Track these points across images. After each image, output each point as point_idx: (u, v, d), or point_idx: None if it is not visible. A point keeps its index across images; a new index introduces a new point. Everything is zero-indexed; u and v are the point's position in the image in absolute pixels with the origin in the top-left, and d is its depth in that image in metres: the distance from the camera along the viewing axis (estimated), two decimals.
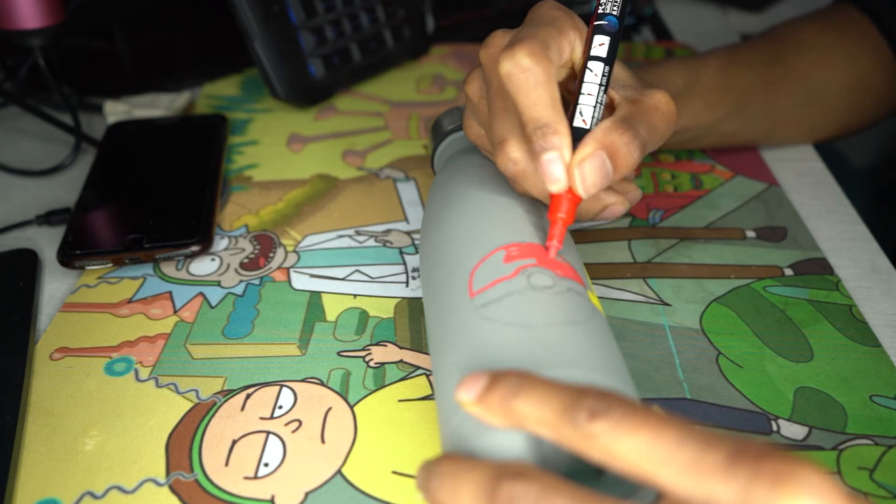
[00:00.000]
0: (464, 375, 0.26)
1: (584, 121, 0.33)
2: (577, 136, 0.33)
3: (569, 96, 0.35)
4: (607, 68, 0.33)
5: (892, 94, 0.52)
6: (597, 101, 0.33)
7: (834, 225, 0.47)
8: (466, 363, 0.28)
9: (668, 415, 0.22)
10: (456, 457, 0.25)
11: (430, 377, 0.37)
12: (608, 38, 0.34)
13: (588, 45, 0.34)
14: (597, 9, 0.34)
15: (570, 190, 0.32)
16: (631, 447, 0.22)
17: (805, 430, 0.34)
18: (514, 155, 0.33)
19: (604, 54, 0.33)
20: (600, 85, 0.33)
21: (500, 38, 0.35)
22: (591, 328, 0.29)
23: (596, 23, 0.34)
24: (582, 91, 0.33)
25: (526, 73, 0.31)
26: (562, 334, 0.28)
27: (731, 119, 0.48)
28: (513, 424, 0.25)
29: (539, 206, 0.36)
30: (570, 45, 0.34)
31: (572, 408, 0.23)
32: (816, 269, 0.43)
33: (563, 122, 0.31)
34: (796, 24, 0.52)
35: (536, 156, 0.32)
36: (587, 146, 0.32)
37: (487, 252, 0.32)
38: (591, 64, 0.33)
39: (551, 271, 0.31)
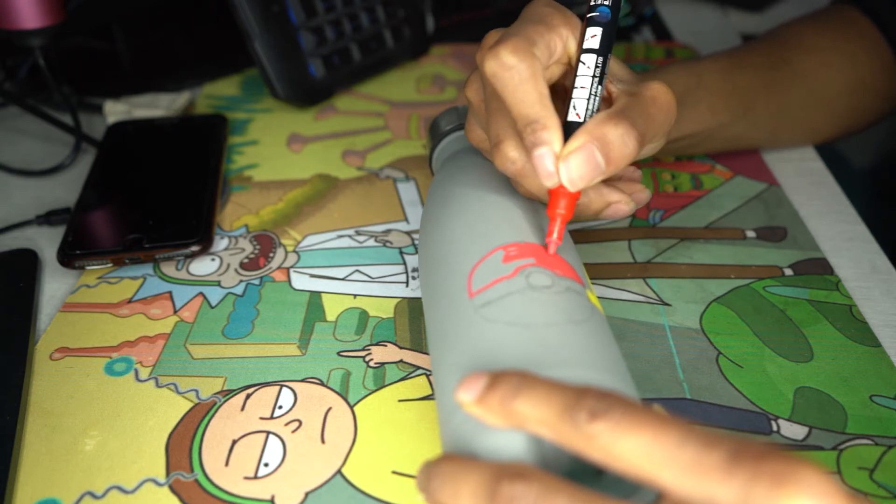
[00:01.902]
0: (464, 375, 0.26)
1: (577, 114, 0.33)
2: (572, 130, 0.32)
3: (567, 94, 0.35)
4: (601, 59, 0.33)
5: (891, 94, 0.52)
6: (590, 94, 0.33)
7: (834, 225, 0.47)
8: (466, 363, 0.28)
9: (669, 415, 0.22)
10: (456, 457, 0.25)
11: (430, 377, 0.37)
12: (600, 29, 0.33)
13: (581, 38, 0.34)
14: (589, 0, 0.34)
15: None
16: (631, 447, 0.22)
17: (805, 430, 0.34)
18: (511, 154, 0.33)
19: (596, 45, 0.33)
20: (594, 77, 0.33)
21: (493, 38, 0.35)
22: (591, 328, 0.29)
23: (589, 15, 0.34)
24: (575, 84, 0.33)
25: (510, 70, 0.31)
26: (561, 334, 0.28)
27: (736, 124, 0.47)
28: (513, 425, 0.25)
29: (538, 206, 0.36)
30: (561, 40, 0.33)
31: (572, 408, 0.23)
32: (816, 269, 0.43)
33: (551, 116, 0.31)
34: (796, 26, 0.52)
35: (529, 152, 0.32)
36: (577, 139, 0.31)
37: (486, 252, 0.32)
38: (583, 56, 0.33)
39: (550, 271, 0.31)
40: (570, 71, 0.35)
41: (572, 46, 0.34)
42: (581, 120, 0.33)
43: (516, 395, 0.24)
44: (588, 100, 0.33)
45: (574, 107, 0.33)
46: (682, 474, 0.21)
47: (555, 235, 0.32)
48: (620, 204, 0.36)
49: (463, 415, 0.26)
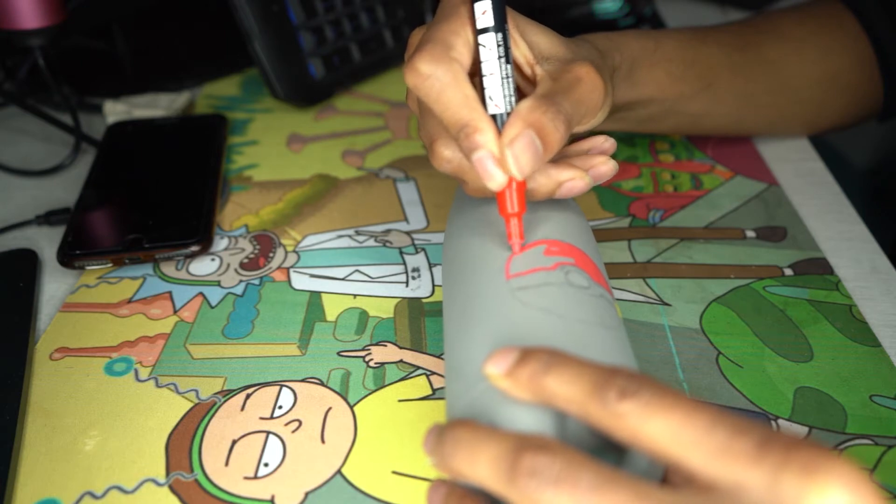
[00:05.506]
0: (491, 350, 0.26)
1: (496, 105, 0.31)
2: (497, 121, 0.31)
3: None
4: (500, 35, 0.31)
5: (868, 93, 0.51)
6: (502, 77, 0.31)
7: (834, 225, 0.47)
8: (495, 338, 0.28)
9: (699, 399, 0.22)
10: (474, 424, 0.25)
11: (431, 377, 0.37)
12: (489, 2, 0.31)
13: (472, 19, 0.31)
14: None
15: (510, 181, 0.31)
16: (660, 429, 0.22)
17: (805, 430, 0.34)
18: (445, 153, 0.33)
19: (490, 23, 0.31)
20: (500, 57, 0.31)
21: (416, 37, 0.34)
22: (619, 336, 0.30)
23: None
24: (483, 73, 0.31)
25: (429, 79, 0.30)
26: (592, 333, 0.28)
27: (698, 98, 0.47)
28: (541, 401, 0.24)
29: (576, 208, 0.36)
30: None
31: (602, 386, 0.23)
32: (816, 269, 0.43)
33: (482, 117, 0.30)
34: (775, 14, 0.51)
35: (468, 157, 0.31)
36: (514, 126, 0.30)
37: (528, 242, 0.32)
38: (481, 38, 0.31)
39: (588, 274, 0.31)
40: None
41: None
42: (502, 109, 0.31)
43: (547, 371, 0.24)
44: (502, 85, 0.31)
45: (491, 98, 0.31)
46: (711, 458, 0.21)
47: (516, 236, 0.31)
48: (574, 181, 0.34)
49: (484, 385, 0.26)
